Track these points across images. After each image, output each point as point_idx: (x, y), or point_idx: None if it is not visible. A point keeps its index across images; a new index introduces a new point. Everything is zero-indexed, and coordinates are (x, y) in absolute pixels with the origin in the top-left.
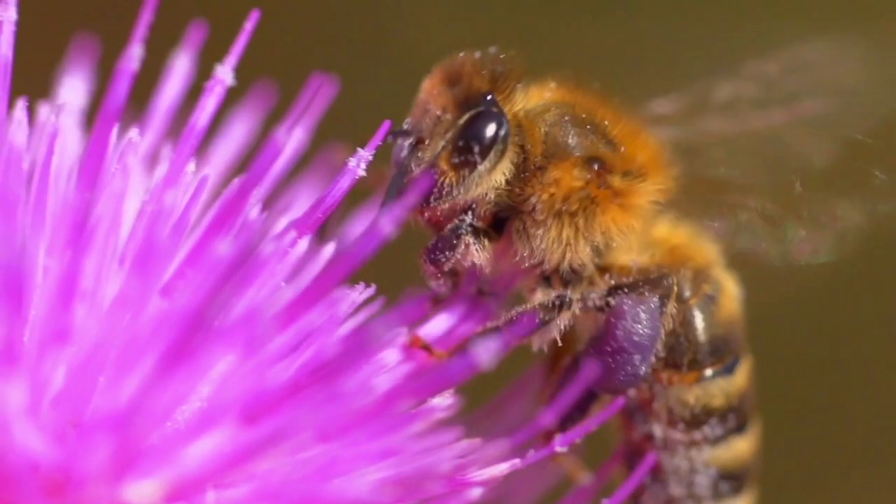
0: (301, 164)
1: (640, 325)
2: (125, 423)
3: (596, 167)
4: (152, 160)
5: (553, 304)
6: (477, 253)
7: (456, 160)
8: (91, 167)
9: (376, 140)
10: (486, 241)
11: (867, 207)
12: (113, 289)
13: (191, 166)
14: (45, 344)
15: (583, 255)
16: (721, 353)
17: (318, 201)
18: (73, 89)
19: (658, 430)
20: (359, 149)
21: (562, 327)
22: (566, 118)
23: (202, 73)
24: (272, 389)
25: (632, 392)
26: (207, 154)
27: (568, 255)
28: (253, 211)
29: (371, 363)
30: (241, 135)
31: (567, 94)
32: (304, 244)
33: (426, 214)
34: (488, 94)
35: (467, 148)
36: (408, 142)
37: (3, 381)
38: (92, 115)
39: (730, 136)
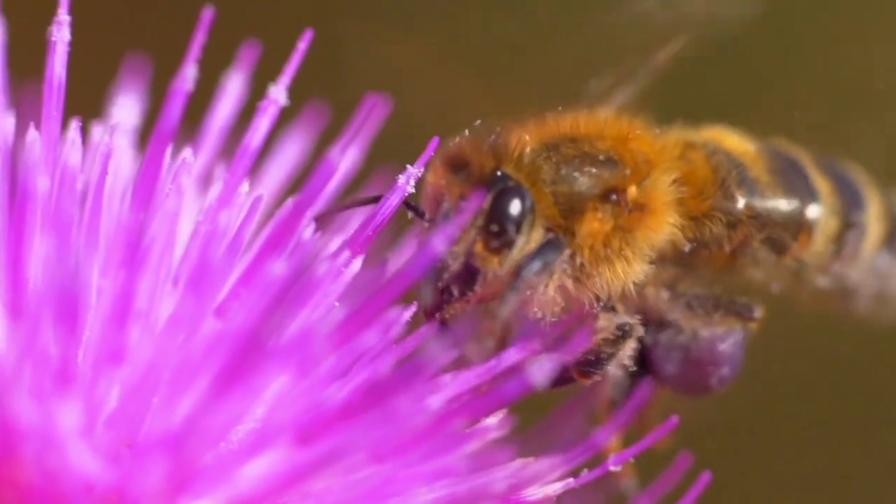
0: (354, 184)
1: (734, 354)
2: (179, 443)
3: (613, 198)
4: (206, 180)
5: (615, 335)
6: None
7: (493, 244)
8: (145, 187)
9: (426, 156)
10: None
11: None
12: (167, 309)
13: (244, 186)
14: (100, 364)
15: (639, 273)
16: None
17: (368, 219)
18: (127, 109)
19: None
20: (408, 166)
21: (625, 361)
22: (561, 169)
23: (255, 93)
24: (326, 410)
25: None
26: (260, 174)
27: (628, 281)
28: (307, 231)
29: (424, 383)
30: (294, 154)
31: (541, 134)
32: (357, 264)
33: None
34: (498, 170)
35: (501, 229)
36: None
37: (58, 401)
38: (145, 136)
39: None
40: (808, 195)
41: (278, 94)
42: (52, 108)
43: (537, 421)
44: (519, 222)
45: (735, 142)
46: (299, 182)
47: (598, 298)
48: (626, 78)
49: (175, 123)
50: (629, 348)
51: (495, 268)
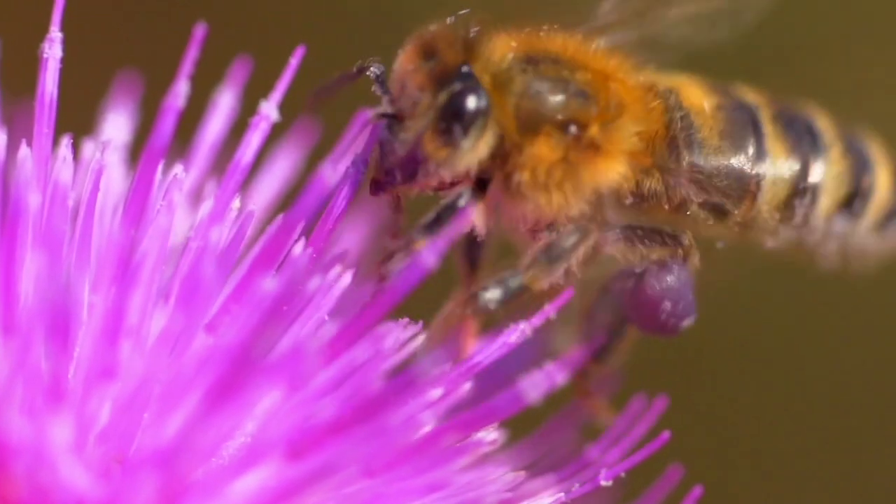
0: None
1: (673, 288)
2: (170, 458)
3: (572, 130)
4: (197, 196)
5: (571, 232)
6: (476, 218)
7: (439, 140)
8: (136, 204)
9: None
10: (479, 206)
11: None
12: (158, 325)
13: (236, 202)
14: (91, 380)
15: (574, 209)
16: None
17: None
18: (118, 126)
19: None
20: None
21: (580, 256)
22: (532, 84)
23: (247, 109)
24: (317, 425)
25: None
26: (252, 190)
27: (560, 214)
28: (297, 246)
29: (416, 398)
30: (285, 170)
31: (527, 47)
32: (347, 278)
33: (412, 190)
34: (464, 67)
35: (449, 127)
36: (388, 121)
37: (49, 417)
38: (137, 152)
39: None
40: (757, 160)
41: (269, 109)
42: (44, 124)
43: (529, 433)
44: (469, 123)
45: (696, 96)
46: (290, 197)
47: (526, 220)
48: (633, 18)
49: (166, 140)
50: (583, 249)
51: (440, 161)
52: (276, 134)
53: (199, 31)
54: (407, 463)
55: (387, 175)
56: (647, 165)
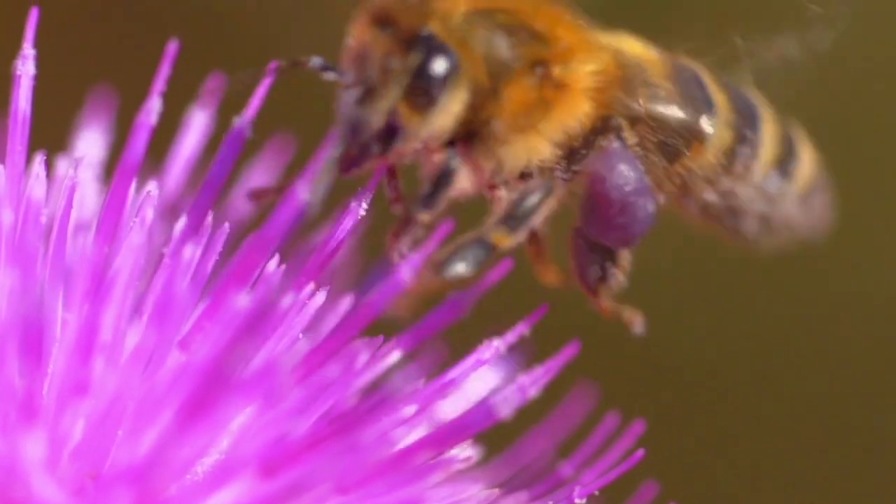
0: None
1: (622, 174)
2: (144, 475)
3: (539, 70)
4: (171, 213)
5: (537, 189)
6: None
7: (416, 102)
8: (109, 221)
9: (375, 180)
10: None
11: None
12: (132, 342)
13: (209, 219)
14: (64, 397)
15: (545, 153)
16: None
17: (322, 244)
18: (92, 143)
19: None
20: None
21: (546, 212)
22: (494, 33)
23: (221, 126)
24: (291, 441)
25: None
26: (225, 207)
27: (532, 159)
28: (271, 263)
29: (389, 415)
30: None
31: (474, 2)
32: (321, 296)
33: (390, 159)
34: (426, 28)
35: (424, 88)
36: (355, 95)
37: (23, 433)
38: (110, 169)
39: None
40: (704, 105)
41: (243, 126)
42: (17, 141)
43: (503, 449)
44: (442, 81)
45: (640, 48)
46: (264, 215)
47: (498, 171)
48: None
49: (139, 157)
50: (549, 206)
51: (416, 127)
52: (250, 151)
53: (172, 47)
54: (380, 480)
55: (362, 150)
56: (608, 103)
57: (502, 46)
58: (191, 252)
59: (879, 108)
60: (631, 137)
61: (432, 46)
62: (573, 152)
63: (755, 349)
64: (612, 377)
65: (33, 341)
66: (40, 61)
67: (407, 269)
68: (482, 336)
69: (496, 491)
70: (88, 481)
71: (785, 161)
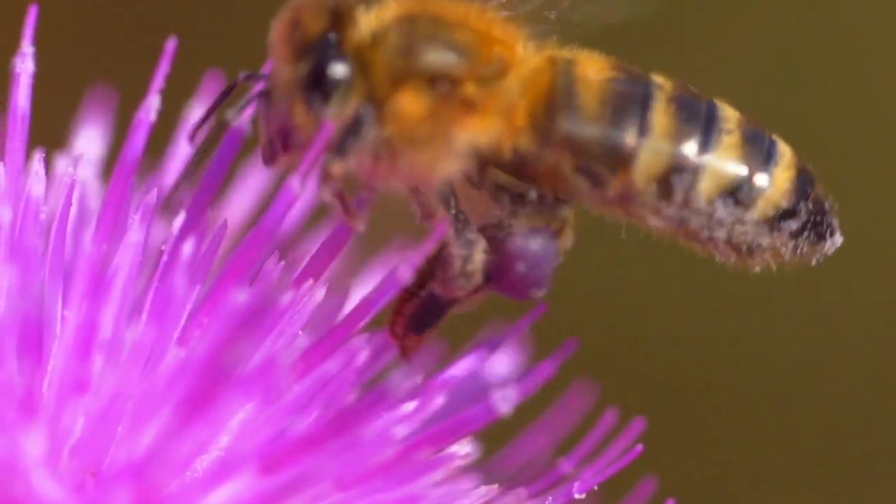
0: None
1: (536, 255)
2: (144, 472)
3: (443, 85)
4: (170, 210)
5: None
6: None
7: (307, 110)
8: (109, 218)
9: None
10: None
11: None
12: (131, 339)
13: (208, 216)
14: (64, 394)
15: (452, 166)
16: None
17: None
18: (91, 140)
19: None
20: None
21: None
22: (405, 40)
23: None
24: (290, 438)
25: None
26: (224, 203)
27: (438, 172)
28: (270, 260)
29: (389, 411)
30: (259, 184)
31: (410, 9)
32: (321, 292)
33: (292, 160)
34: (327, 35)
35: (312, 97)
36: (263, 97)
37: (23, 431)
38: (110, 166)
39: None
40: (635, 132)
41: (242, 123)
42: (16, 139)
43: (503, 446)
44: (330, 90)
45: (593, 69)
46: (263, 210)
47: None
48: None
49: (138, 154)
50: (479, 258)
51: (310, 128)
52: (249, 147)
53: (171, 44)
54: (380, 477)
55: (271, 146)
56: (521, 125)
57: (404, 54)
58: (190, 248)
59: (879, 108)
60: (549, 159)
61: (326, 54)
62: (497, 164)
63: (754, 347)
64: (610, 374)
65: (33, 339)
66: (39, 59)
67: (406, 266)
68: (481, 333)
69: (496, 487)
70: (88, 478)
71: (739, 189)
